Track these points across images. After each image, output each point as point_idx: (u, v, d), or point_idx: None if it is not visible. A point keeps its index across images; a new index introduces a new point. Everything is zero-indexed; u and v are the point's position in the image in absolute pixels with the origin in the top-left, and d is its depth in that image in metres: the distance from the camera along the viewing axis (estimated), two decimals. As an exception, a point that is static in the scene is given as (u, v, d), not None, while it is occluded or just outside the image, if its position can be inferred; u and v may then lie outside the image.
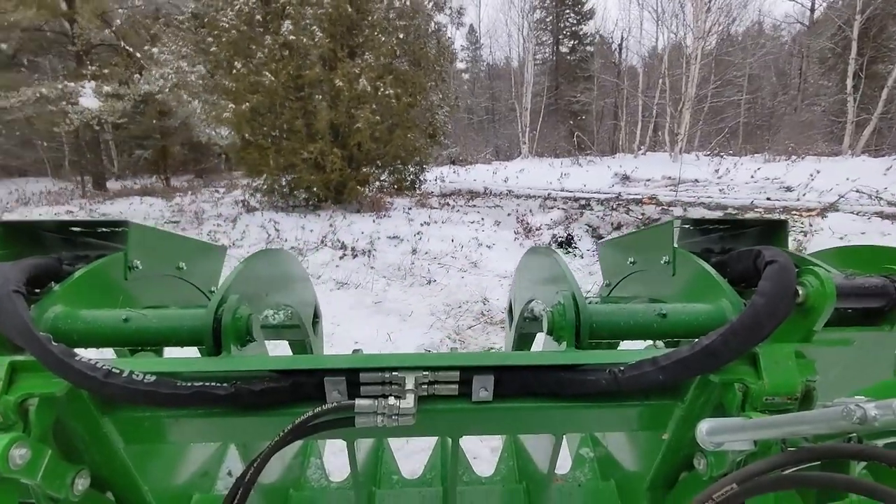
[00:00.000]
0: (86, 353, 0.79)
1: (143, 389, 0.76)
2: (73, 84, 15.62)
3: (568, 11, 41.25)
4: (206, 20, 11.64)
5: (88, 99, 15.86)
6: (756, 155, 22.17)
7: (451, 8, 15.26)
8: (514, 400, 0.87)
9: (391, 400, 0.79)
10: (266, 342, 1.22)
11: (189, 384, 0.78)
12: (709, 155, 22.42)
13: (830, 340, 0.96)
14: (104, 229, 1.10)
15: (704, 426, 0.73)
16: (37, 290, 0.96)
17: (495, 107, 44.61)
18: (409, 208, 12.27)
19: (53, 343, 0.77)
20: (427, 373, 0.81)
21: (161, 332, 0.99)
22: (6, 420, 0.75)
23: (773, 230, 1.20)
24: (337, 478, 1.48)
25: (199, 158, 22.80)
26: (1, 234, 1.02)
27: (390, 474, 1.52)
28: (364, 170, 12.43)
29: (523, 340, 1.57)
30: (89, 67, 17.53)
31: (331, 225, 9.92)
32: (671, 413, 0.91)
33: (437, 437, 1.58)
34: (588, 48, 41.34)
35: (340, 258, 7.50)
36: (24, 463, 0.71)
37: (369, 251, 7.83)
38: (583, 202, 13.06)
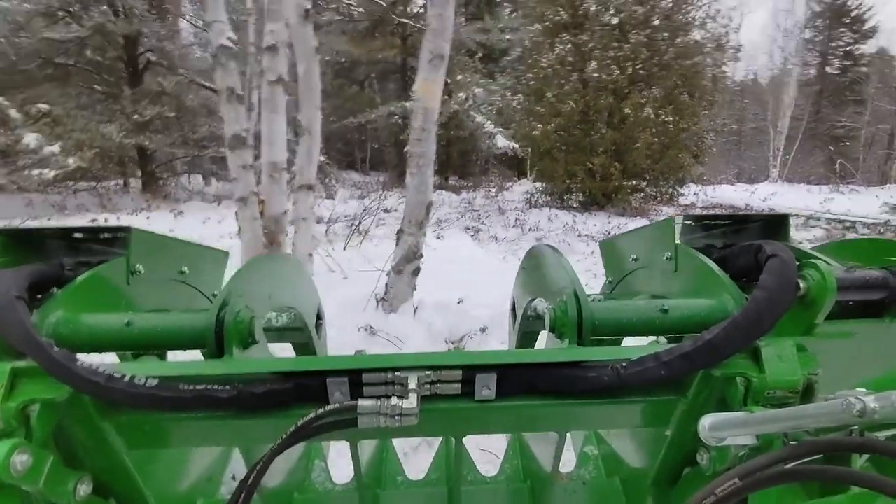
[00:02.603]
0: (88, 358, 0.79)
1: (145, 393, 0.76)
2: (407, 103, 21.30)
3: (844, 30, 37.55)
4: (528, 61, 15.65)
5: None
6: None
7: (732, 47, 16.89)
8: (517, 398, 0.86)
9: (394, 400, 0.78)
10: (270, 345, 1.22)
11: (191, 387, 0.78)
12: None
13: (832, 333, 0.95)
14: (106, 235, 1.09)
15: (706, 421, 0.73)
16: (39, 296, 0.96)
17: (742, 128, 42.70)
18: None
19: (55, 348, 0.77)
20: (429, 372, 0.81)
21: (163, 335, 0.98)
22: (7, 426, 0.74)
23: (775, 225, 1.19)
24: (340, 480, 1.47)
25: (466, 164, 27.49)
26: (3, 241, 1.02)
27: (394, 475, 1.51)
28: (633, 182, 15.02)
29: (526, 339, 1.56)
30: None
31: (609, 221, 12.64)
32: (674, 408, 0.91)
33: (440, 437, 1.58)
34: (863, 69, 37.04)
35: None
36: (26, 469, 0.71)
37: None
38: (847, 224, 13.56)
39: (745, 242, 1.10)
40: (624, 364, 0.82)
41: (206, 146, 17.18)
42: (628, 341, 1.16)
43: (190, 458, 1.22)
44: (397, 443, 1.62)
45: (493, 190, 18.68)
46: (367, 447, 1.40)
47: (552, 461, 1.12)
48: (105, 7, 14.91)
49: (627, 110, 13.89)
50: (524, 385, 0.85)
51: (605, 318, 1.02)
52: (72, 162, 12.14)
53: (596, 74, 13.95)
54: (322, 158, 20.55)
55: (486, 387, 0.84)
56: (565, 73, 14.60)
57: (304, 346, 1.55)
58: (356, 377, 0.81)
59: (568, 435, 1.12)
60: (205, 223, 11.21)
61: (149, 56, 16.61)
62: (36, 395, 0.76)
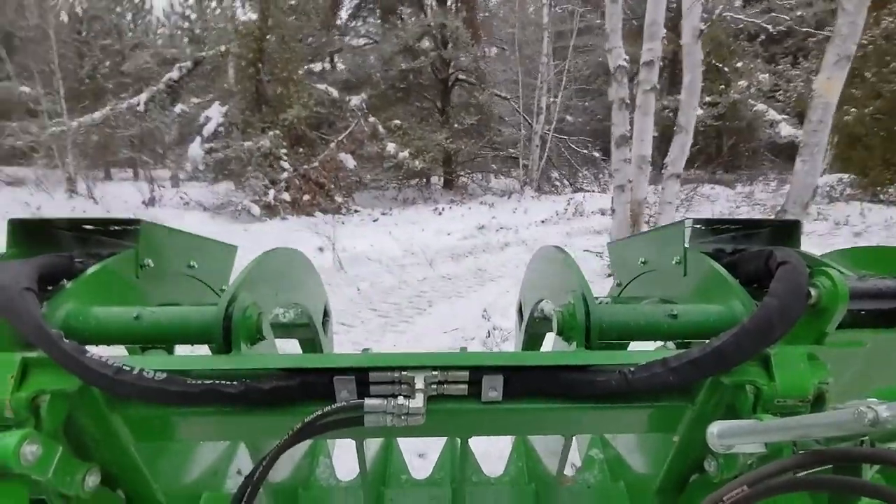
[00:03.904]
0: (97, 351, 0.79)
1: (154, 387, 0.76)
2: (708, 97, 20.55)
3: None
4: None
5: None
6: None
7: None
8: (523, 400, 0.86)
9: (400, 399, 0.78)
10: (276, 340, 1.21)
11: (199, 382, 0.78)
12: None
13: (843, 342, 0.93)
14: (116, 227, 1.10)
15: (715, 429, 0.73)
16: (49, 288, 0.96)
17: None
18: None
19: (65, 340, 0.77)
20: (436, 372, 0.81)
21: (172, 329, 0.99)
22: (18, 416, 0.75)
23: (786, 231, 1.17)
24: (345, 477, 1.48)
25: (734, 156, 25.11)
26: (14, 232, 1.02)
27: (399, 474, 1.52)
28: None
29: (533, 341, 1.56)
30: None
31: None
32: (681, 415, 0.90)
33: (445, 438, 1.58)
34: None
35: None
36: (36, 459, 0.72)
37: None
38: None
39: (755, 248, 1.08)
40: (632, 369, 0.82)
41: (499, 148, 20.36)
42: (635, 345, 1.15)
43: (196, 451, 1.23)
44: (405, 447, 1.62)
45: (773, 183, 17.32)
46: (372, 445, 1.40)
47: (557, 464, 1.11)
48: (431, 38, 19.21)
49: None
50: (531, 387, 0.85)
51: (613, 321, 1.01)
52: (417, 164, 16.35)
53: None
54: (597, 154, 21.66)
55: (493, 388, 0.83)
56: (892, 50, 12.69)
57: (311, 343, 1.55)
58: (363, 376, 0.81)
59: (573, 438, 1.11)
60: (514, 212, 14.08)
61: (457, 75, 20.52)
62: (46, 385, 0.77)
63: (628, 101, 6.72)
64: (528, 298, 1.53)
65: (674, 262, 1.17)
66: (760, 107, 18.59)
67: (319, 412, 0.78)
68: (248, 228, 11.63)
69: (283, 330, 1.49)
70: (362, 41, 21.00)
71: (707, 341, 0.81)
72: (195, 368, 0.82)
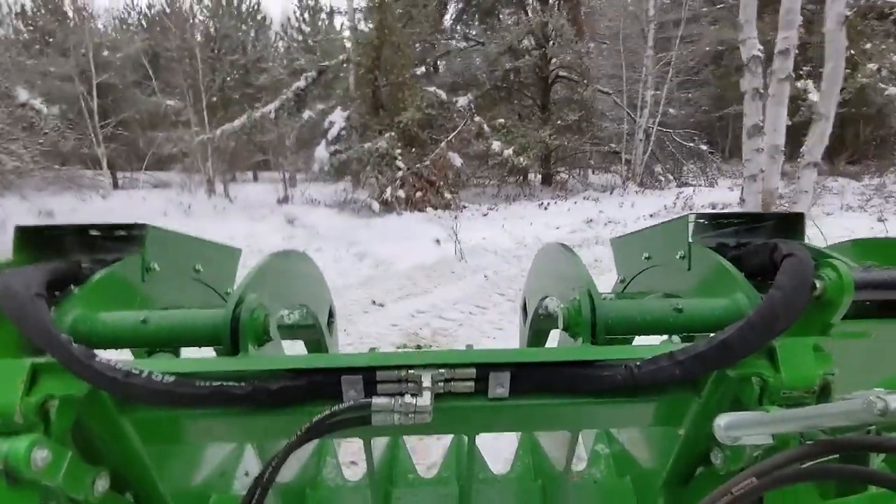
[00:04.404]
0: (105, 355, 0.80)
1: (162, 389, 0.77)
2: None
3: None
4: None
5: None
6: None
7: None
8: (530, 397, 0.87)
9: (407, 398, 0.79)
10: (282, 342, 1.22)
11: (207, 384, 0.79)
12: None
13: (848, 333, 0.95)
14: (121, 232, 1.10)
15: (722, 421, 0.73)
16: (56, 293, 0.97)
17: None
18: None
19: (74, 345, 0.78)
20: (443, 370, 0.82)
21: (179, 332, 0.99)
22: (27, 421, 0.75)
23: (790, 224, 1.17)
24: (350, 477, 1.49)
25: (858, 147, 22.94)
26: (20, 238, 1.03)
27: (406, 473, 1.52)
28: None
29: (537, 337, 1.56)
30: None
31: None
32: (688, 408, 0.91)
33: (452, 436, 1.58)
34: None
35: None
36: (46, 464, 0.72)
37: None
38: None
39: (759, 241, 1.09)
40: (638, 363, 0.82)
41: (599, 143, 20.29)
42: (639, 340, 1.15)
43: (204, 453, 1.24)
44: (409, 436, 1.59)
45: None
46: (379, 444, 1.41)
47: (564, 460, 1.12)
48: (532, 37, 19.56)
49: None
50: (538, 384, 0.86)
51: (618, 316, 1.02)
52: (522, 161, 16.82)
53: None
54: (704, 147, 20.94)
55: (500, 385, 0.84)
56: None
57: (316, 344, 1.56)
58: (370, 375, 0.81)
59: (579, 433, 1.11)
60: (620, 206, 14.14)
61: (557, 72, 20.68)
62: (55, 390, 0.77)
63: (762, 91, 6.80)
64: (532, 295, 1.54)
65: (678, 257, 1.18)
66: (893, 90, 17.05)
67: (327, 412, 0.79)
68: (370, 223, 12.68)
69: (288, 331, 1.49)
70: (467, 44, 21.71)
71: (712, 335, 0.82)
72: (203, 371, 0.82)
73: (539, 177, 21.23)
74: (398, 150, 14.96)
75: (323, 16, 29.86)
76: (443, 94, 17.19)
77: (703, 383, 0.88)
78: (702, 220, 1.18)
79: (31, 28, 25.88)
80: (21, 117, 11.68)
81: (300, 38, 29.99)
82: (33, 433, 0.74)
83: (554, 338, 1.37)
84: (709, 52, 21.25)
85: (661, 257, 1.30)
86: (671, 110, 22.18)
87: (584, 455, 1.51)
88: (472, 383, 0.84)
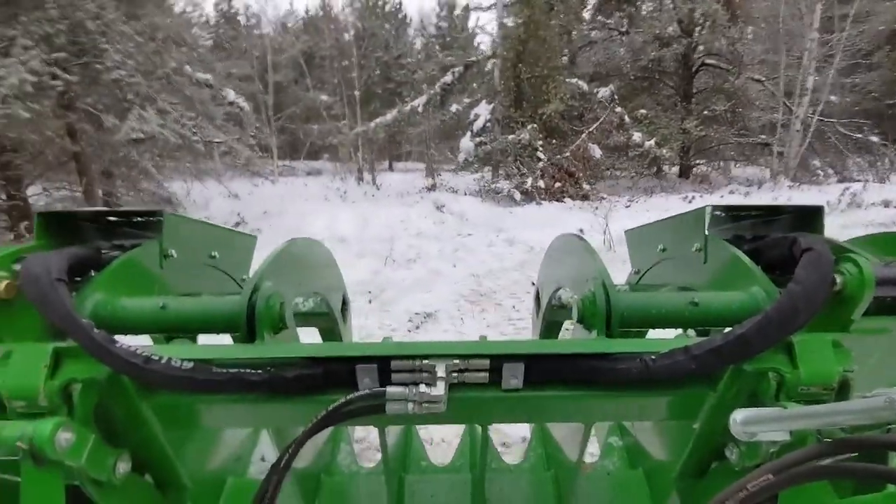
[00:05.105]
0: (125, 340, 0.81)
1: (181, 375, 0.78)
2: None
3: None
4: None
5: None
6: None
7: None
8: (544, 388, 0.86)
9: (422, 387, 0.80)
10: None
11: (225, 370, 0.80)
12: None
13: (868, 329, 0.92)
14: (140, 219, 1.11)
15: (739, 416, 0.72)
16: (77, 279, 0.99)
17: None
18: None
19: (95, 330, 0.79)
20: (457, 360, 0.82)
21: (197, 318, 1.00)
22: (51, 404, 0.77)
23: (809, 217, 1.13)
24: (363, 463, 1.51)
25: None
26: (41, 224, 1.04)
27: (419, 460, 1.53)
28: None
29: (550, 329, 1.54)
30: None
31: None
32: (703, 402, 0.90)
33: (465, 425, 1.58)
34: None
35: None
36: (70, 446, 0.74)
37: None
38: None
39: (776, 234, 1.07)
40: (653, 356, 0.82)
41: (747, 134, 19.11)
42: (653, 334, 1.14)
43: (221, 438, 1.26)
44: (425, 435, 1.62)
45: None
46: (393, 431, 1.42)
47: (577, 451, 1.12)
48: (678, 24, 18.89)
49: None
50: (552, 375, 0.86)
51: (634, 309, 1.01)
52: (665, 152, 16.53)
53: None
54: (875, 139, 18.94)
55: (514, 376, 0.84)
56: None
57: (330, 332, 1.57)
58: (385, 364, 0.82)
59: (592, 426, 1.11)
60: (774, 202, 13.33)
61: (703, 59, 19.75)
62: (78, 374, 0.79)
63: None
64: (545, 286, 1.52)
65: (694, 249, 1.16)
66: None
67: (343, 400, 0.79)
68: (513, 212, 13.17)
69: (302, 319, 1.49)
70: (608, 34, 21.51)
71: (729, 329, 0.81)
72: (221, 357, 0.84)
73: (676, 169, 20.54)
74: (539, 142, 15.43)
75: (459, 11, 31.04)
76: (584, 86, 17.34)
77: (718, 378, 0.87)
78: (718, 213, 1.16)
79: (213, 35, 30.12)
80: (231, 114, 13.64)
81: (437, 34, 31.46)
82: (57, 415, 0.77)
83: (567, 329, 1.38)
84: (882, 32, 18.98)
85: (677, 249, 1.28)
86: (833, 98, 20.18)
87: (596, 448, 1.52)
88: (486, 374, 0.84)
